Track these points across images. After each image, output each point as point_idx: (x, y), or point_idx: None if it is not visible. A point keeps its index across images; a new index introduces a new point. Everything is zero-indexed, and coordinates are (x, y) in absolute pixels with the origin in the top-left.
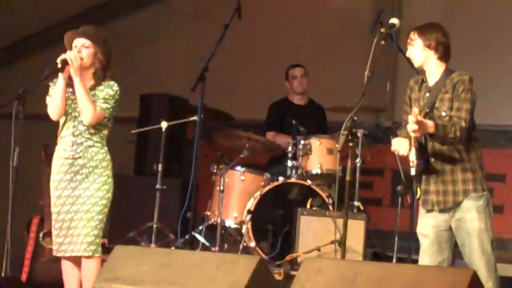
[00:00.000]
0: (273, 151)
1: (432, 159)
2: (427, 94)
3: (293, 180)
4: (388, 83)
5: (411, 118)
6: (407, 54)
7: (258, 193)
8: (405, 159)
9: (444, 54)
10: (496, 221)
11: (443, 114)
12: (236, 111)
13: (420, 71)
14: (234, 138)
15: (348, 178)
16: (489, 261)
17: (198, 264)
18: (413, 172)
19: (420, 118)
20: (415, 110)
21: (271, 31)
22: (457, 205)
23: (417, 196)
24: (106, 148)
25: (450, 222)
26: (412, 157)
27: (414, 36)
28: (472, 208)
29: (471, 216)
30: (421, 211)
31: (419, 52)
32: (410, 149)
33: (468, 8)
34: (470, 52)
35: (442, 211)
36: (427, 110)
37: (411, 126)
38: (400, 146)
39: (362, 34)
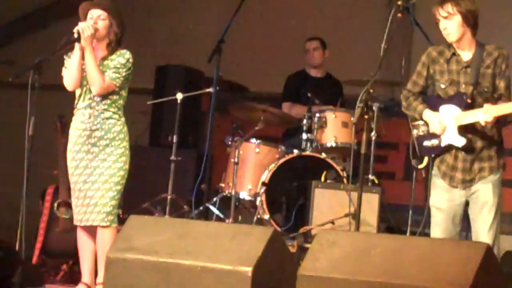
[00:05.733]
0: (288, 123)
1: (471, 136)
2: (467, 69)
3: (307, 153)
4: (403, 57)
5: (492, 112)
6: (442, 27)
7: (273, 165)
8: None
9: (477, 28)
10: None
11: (485, 90)
12: (251, 83)
13: (443, 43)
14: (249, 110)
15: (363, 151)
16: (495, 236)
17: (212, 235)
18: (443, 143)
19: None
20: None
21: (288, 3)
22: (481, 180)
23: (422, 166)
24: (123, 119)
25: (466, 196)
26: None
27: (452, 10)
28: (488, 182)
29: (486, 189)
30: (437, 183)
31: (458, 28)
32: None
33: None
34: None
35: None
36: (473, 86)
37: (489, 118)
38: (440, 127)
39: (379, 7)
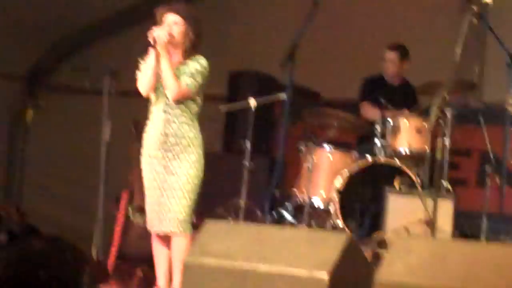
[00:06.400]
0: (361, 129)
1: None
2: None
3: (381, 159)
4: (477, 64)
5: None
6: None
7: (346, 171)
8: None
9: None
10: None
11: None
12: (324, 89)
13: None
14: (322, 116)
15: (439, 156)
16: None
17: (288, 240)
18: None
19: None
20: None
21: (363, 8)
22: None
23: None
24: (197, 125)
25: None
26: None
27: None
28: None
29: None
30: None
31: None
32: None
33: None
34: None
35: None
36: None
37: None
38: None
39: (452, 11)
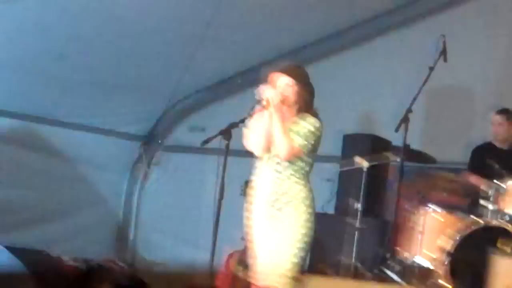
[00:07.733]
0: (473, 194)
1: None
2: None
3: (494, 223)
4: None
5: None
6: None
7: (457, 234)
8: None
9: None
10: None
11: None
12: (438, 153)
13: None
14: (433, 178)
15: None
16: None
17: None
18: None
19: None
20: None
21: (475, 72)
22: None
23: None
24: (309, 185)
25: None
26: None
27: None
28: None
29: None
30: None
31: None
32: None
33: None
34: None
35: None
36: None
37: None
38: None
39: None
